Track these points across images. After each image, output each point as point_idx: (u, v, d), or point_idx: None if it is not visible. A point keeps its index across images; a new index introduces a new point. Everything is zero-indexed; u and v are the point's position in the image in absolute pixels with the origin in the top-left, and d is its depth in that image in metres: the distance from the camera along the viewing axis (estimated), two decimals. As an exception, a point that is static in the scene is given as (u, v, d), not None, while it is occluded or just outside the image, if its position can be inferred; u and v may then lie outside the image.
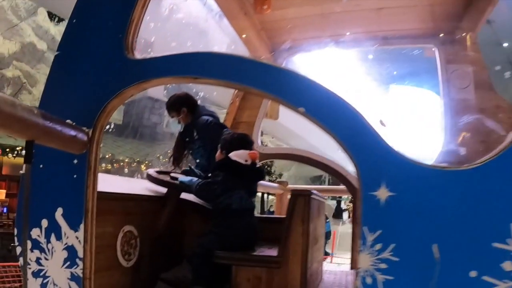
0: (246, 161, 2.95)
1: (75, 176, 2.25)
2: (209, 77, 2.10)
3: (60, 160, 2.27)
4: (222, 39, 5.03)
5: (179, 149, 3.76)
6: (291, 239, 2.62)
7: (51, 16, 23.48)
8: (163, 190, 3.16)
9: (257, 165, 3.05)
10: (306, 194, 2.68)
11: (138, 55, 2.30)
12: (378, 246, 1.88)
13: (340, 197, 21.63)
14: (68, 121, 2.10)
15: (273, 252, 2.69)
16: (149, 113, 10.10)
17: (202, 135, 3.61)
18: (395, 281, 1.85)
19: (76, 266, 2.23)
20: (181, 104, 3.68)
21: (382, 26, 4.60)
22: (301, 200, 2.64)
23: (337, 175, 4.76)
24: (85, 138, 2.23)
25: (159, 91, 10.30)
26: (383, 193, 1.88)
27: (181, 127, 3.75)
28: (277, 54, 4.82)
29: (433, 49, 4.67)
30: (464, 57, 4.53)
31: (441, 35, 4.59)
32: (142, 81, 2.20)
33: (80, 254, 2.23)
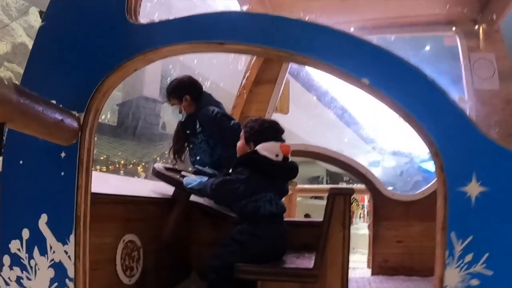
0: (277, 155, 2.41)
1: (62, 173, 1.77)
2: (240, 41, 1.62)
3: (43, 153, 1.80)
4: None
5: (179, 140, 3.19)
6: (330, 248, 2.14)
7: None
8: (169, 191, 2.69)
9: (291, 161, 2.51)
10: (347, 193, 2.21)
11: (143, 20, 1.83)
12: (468, 257, 1.42)
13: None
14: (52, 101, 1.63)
15: (307, 263, 2.22)
16: (145, 114, 9.61)
17: (206, 128, 3.08)
18: (490, 302, 1.39)
19: (66, 288, 1.74)
20: (184, 90, 3.11)
21: (401, 12, 4.26)
22: (340, 201, 2.17)
23: (355, 173, 4.35)
24: (75, 124, 1.75)
25: (155, 90, 9.82)
26: (474, 189, 1.42)
27: (183, 116, 3.20)
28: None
29: (455, 36, 4.32)
30: (488, 45, 4.22)
31: (465, 21, 4.27)
32: (148, 50, 1.73)
33: (71, 273, 1.75)
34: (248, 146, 2.50)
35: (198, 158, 3.13)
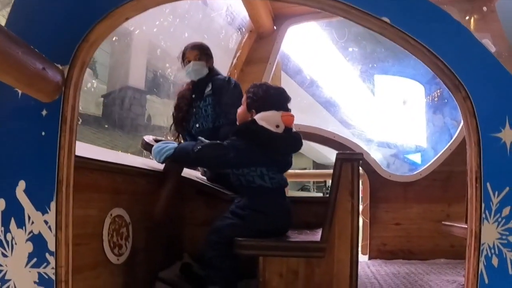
0: (277, 126, 2.19)
1: (43, 133, 1.59)
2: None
3: (22, 111, 1.61)
4: (220, 4, 4.41)
5: (184, 106, 3.06)
6: (338, 218, 1.97)
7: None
8: (160, 166, 2.50)
9: (294, 133, 2.30)
10: (355, 158, 2.04)
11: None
12: (506, 211, 1.27)
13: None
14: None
15: (314, 237, 2.05)
16: (130, 104, 9.37)
17: (217, 92, 2.98)
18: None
19: (46, 264, 1.56)
20: (209, 52, 3.11)
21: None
22: (348, 167, 1.99)
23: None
24: (58, 77, 1.56)
25: (140, 80, 9.57)
26: (508, 135, 1.28)
27: (191, 76, 3.07)
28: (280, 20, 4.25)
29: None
30: (483, 26, 4.13)
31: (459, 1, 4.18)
32: (142, -7, 1.54)
33: (51, 245, 1.56)
34: (250, 113, 2.28)
35: (197, 125, 3.00)
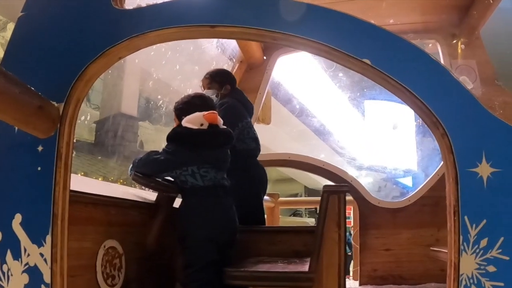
0: (201, 125, 2.32)
1: (39, 168, 1.64)
2: (233, 23, 1.52)
3: (19, 146, 1.66)
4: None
5: None
6: (325, 249, 2.02)
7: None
8: (152, 197, 2.54)
9: (220, 128, 2.43)
10: (341, 190, 2.11)
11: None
12: (484, 242, 1.33)
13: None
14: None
15: (302, 266, 2.09)
16: (123, 131, 9.41)
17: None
18: (508, 289, 1.30)
19: (42, 295, 1.58)
20: (227, 79, 3.21)
21: (379, 21, 4.26)
22: (335, 200, 2.06)
23: (341, 182, 4.25)
24: (54, 115, 1.62)
25: (133, 107, 9.65)
26: (484, 169, 1.34)
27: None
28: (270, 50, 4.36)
29: (436, 43, 4.37)
30: (469, 52, 4.27)
31: (445, 29, 4.32)
32: (134, 36, 1.62)
33: (47, 278, 1.60)
34: (178, 122, 2.44)
35: None
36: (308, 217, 21.44)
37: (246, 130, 3.10)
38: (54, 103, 1.64)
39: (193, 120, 2.34)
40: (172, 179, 2.42)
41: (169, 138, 2.37)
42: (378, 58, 1.42)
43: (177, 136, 2.36)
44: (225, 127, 2.46)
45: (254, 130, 3.23)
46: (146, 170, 2.36)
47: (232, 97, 3.14)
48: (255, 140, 3.17)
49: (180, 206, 2.38)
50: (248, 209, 2.79)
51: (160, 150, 2.40)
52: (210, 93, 3.08)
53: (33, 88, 1.53)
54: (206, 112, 2.36)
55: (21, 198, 1.65)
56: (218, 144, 2.41)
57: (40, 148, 1.64)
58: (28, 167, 1.64)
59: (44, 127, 1.58)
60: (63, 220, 1.62)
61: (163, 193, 2.48)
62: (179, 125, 2.38)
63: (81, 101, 1.69)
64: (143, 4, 1.71)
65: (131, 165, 2.44)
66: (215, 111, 2.43)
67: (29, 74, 1.66)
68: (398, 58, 1.44)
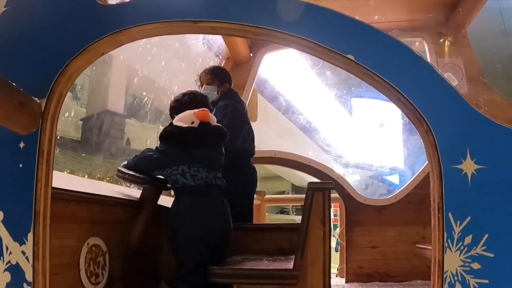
0: (192, 123, 2.31)
1: (21, 165, 1.62)
2: (215, 19, 1.51)
3: (0, 142, 1.63)
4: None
5: None
6: (310, 246, 2.03)
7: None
8: (136, 194, 2.52)
9: (212, 125, 2.41)
10: (326, 187, 2.11)
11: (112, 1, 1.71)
12: (468, 239, 1.34)
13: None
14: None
15: (287, 264, 2.09)
16: (109, 128, 9.32)
17: (216, 115, 3.02)
18: (492, 286, 1.31)
19: (23, 294, 1.56)
20: (226, 78, 3.19)
21: (369, 17, 4.28)
22: (319, 197, 2.06)
23: (327, 179, 4.26)
24: (35, 111, 1.60)
25: (120, 104, 9.55)
26: (469, 166, 1.35)
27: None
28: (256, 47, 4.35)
29: (423, 42, 4.40)
30: (455, 50, 4.31)
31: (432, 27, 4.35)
32: (117, 31, 1.60)
33: (29, 276, 1.58)
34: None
35: None
36: (295, 215, 21.48)
37: (248, 131, 3.13)
38: (36, 99, 1.62)
39: (184, 118, 2.33)
40: (164, 178, 2.42)
41: (161, 137, 2.37)
42: (362, 53, 1.43)
43: (168, 135, 2.34)
44: (217, 124, 2.45)
45: (253, 132, 3.24)
46: (139, 166, 2.36)
47: (232, 98, 3.14)
48: (253, 141, 3.20)
49: (171, 205, 2.37)
50: (239, 209, 2.79)
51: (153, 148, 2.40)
52: (210, 89, 3.08)
53: (14, 84, 1.51)
54: (197, 110, 2.34)
55: (3, 196, 1.63)
56: (209, 142, 2.38)
57: (21, 145, 1.62)
58: (10, 164, 1.62)
59: (26, 123, 1.56)
60: (45, 218, 1.60)
61: (144, 186, 2.46)
62: (170, 124, 2.37)
63: (63, 96, 1.67)
64: (126, 0, 1.69)
65: (125, 162, 2.44)
66: (206, 109, 2.41)
67: (10, 70, 1.64)
68: (382, 54, 1.44)
